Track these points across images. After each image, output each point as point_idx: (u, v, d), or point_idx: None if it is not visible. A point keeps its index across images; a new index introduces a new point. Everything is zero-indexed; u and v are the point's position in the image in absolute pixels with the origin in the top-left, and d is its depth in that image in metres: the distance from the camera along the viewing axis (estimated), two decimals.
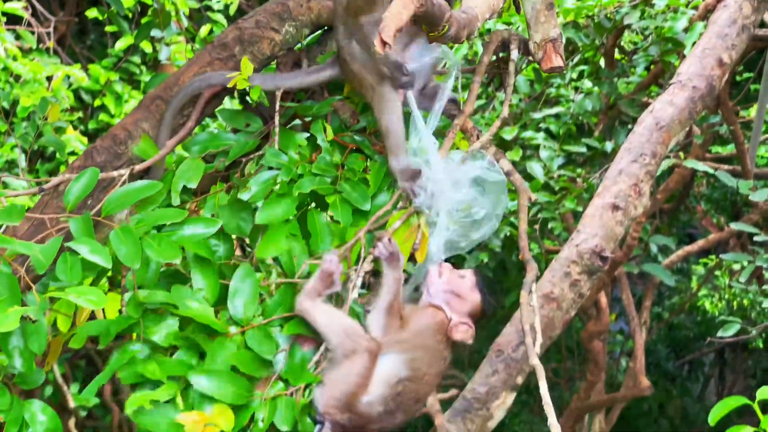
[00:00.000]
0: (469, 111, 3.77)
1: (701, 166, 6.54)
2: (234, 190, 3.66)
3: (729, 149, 8.44)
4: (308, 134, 3.79)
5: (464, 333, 3.42)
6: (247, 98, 3.97)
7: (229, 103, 4.54)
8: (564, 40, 3.95)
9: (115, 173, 3.58)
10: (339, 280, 3.45)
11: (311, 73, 3.81)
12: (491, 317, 3.55)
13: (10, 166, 7.57)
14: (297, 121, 3.95)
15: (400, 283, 3.47)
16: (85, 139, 7.66)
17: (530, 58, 3.92)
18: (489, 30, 6.42)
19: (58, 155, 7.79)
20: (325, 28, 3.99)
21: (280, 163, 3.59)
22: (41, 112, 4.86)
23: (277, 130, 3.70)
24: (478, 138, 3.77)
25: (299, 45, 3.94)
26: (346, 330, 3.37)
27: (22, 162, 7.28)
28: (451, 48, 4.13)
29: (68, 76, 7.92)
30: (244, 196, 3.53)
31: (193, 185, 3.64)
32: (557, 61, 3.82)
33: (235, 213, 3.66)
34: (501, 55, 3.99)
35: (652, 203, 7.63)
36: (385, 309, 3.43)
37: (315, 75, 3.79)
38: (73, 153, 7.47)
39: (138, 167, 3.61)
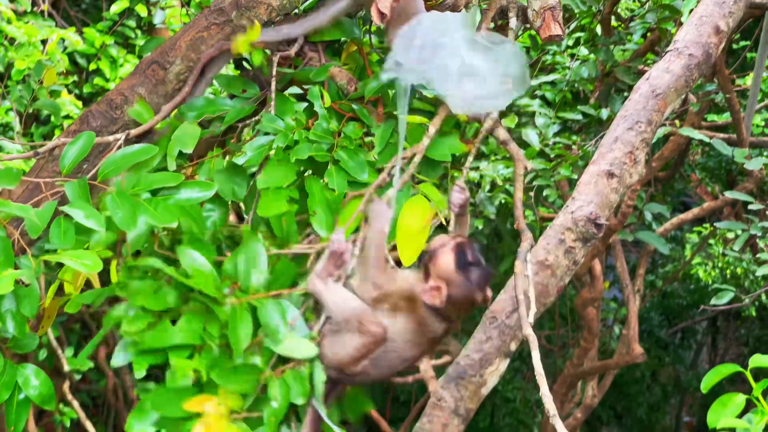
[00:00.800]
0: None
1: (697, 135, 6.53)
2: (229, 155, 3.67)
3: (725, 117, 8.45)
4: (305, 101, 3.79)
5: (431, 296, 3.38)
6: (244, 63, 3.96)
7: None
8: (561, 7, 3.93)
9: (111, 138, 3.57)
10: (349, 258, 3.46)
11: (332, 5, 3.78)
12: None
13: (5, 129, 7.56)
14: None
15: (385, 237, 3.46)
16: (79, 103, 7.65)
17: (528, 26, 3.92)
18: None
19: (53, 119, 7.78)
20: None
21: (277, 129, 3.59)
22: (37, 75, 4.83)
23: (273, 95, 3.70)
24: None
25: (296, 10, 3.93)
26: (358, 314, 3.38)
27: (17, 125, 7.27)
28: None
29: (63, 40, 7.89)
30: (240, 160, 3.53)
31: (188, 150, 3.62)
32: (556, 30, 3.81)
33: (230, 178, 3.66)
34: (499, 22, 3.98)
35: (647, 171, 7.63)
36: (370, 264, 3.45)
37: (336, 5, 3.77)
38: (67, 117, 7.46)
39: (134, 132, 3.60)
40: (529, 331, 3.19)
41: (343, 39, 4.01)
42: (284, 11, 3.88)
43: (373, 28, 3.93)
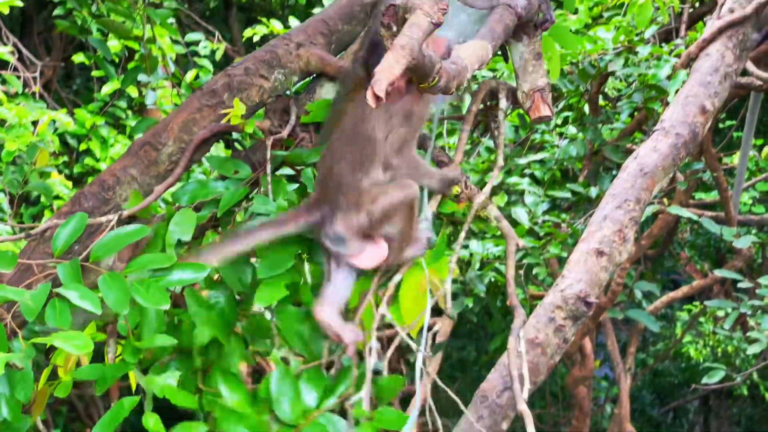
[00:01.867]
0: (459, 159, 3.80)
1: (685, 213, 6.57)
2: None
3: (713, 196, 8.49)
4: (297, 182, 3.81)
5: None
6: (236, 144, 3.98)
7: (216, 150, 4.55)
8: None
9: (103, 219, 3.58)
10: None
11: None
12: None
13: None
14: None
15: None
16: (70, 184, 7.65)
17: (518, 106, 3.96)
18: (475, 77, 6.46)
19: (43, 199, 7.78)
20: (314, 75, 4.02)
21: (269, 211, 3.60)
22: (29, 157, 4.85)
23: (269, 179, 3.72)
24: (467, 185, 3.79)
25: (288, 92, 3.97)
26: None
27: (7, 207, 7.27)
28: None
29: (54, 121, 7.92)
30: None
31: (187, 238, 3.63)
32: (545, 111, 3.86)
33: (234, 266, 3.67)
34: (489, 103, 4.03)
35: (637, 249, 7.66)
36: None
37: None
38: (57, 197, 7.46)
39: (126, 213, 3.61)
40: (523, 407, 3.18)
41: None
42: (276, 93, 3.92)
43: None
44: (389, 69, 2.75)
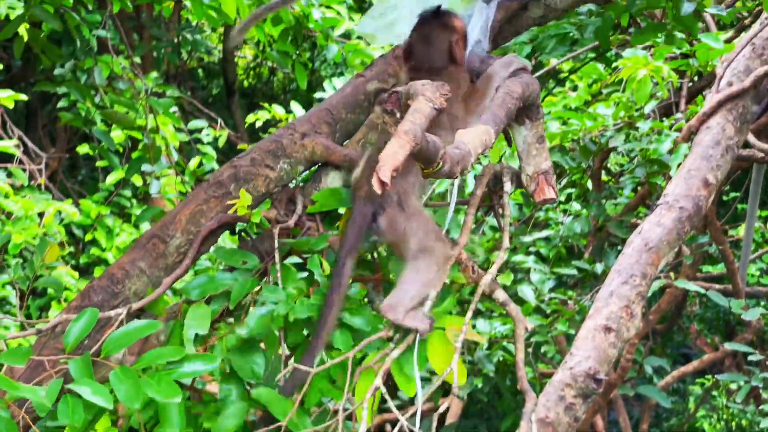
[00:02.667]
0: (464, 243, 3.80)
1: (692, 286, 6.56)
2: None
3: (719, 268, 8.48)
4: (305, 270, 3.83)
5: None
6: (243, 234, 4.00)
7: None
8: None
9: (112, 313, 3.58)
10: None
11: None
12: None
13: (1, 303, 7.56)
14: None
15: None
16: (76, 274, 7.67)
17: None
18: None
19: (50, 291, 7.78)
20: (319, 164, 4.05)
21: (279, 299, 3.61)
22: (40, 252, 4.88)
23: (278, 267, 3.74)
24: (473, 270, 3.80)
25: (294, 182, 3.99)
26: None
27: (16, 300, 7.27)
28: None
29: (60, 212, 7.96)
30: (242, 331, 3.55)
31: (203, 332, 3.65)
32: (550, 193, 3.88)
33: (246, 356, 3.67)
34: (493, 187, 4.05)
35: (645, 324, 7.63)
36: None
37: None
38: (65, 288, 7.46)
39: (135, 306, 3.62)
40: None
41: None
42: (282, 182, 3.95)
43: None
44: (393, 155, 2.77)
